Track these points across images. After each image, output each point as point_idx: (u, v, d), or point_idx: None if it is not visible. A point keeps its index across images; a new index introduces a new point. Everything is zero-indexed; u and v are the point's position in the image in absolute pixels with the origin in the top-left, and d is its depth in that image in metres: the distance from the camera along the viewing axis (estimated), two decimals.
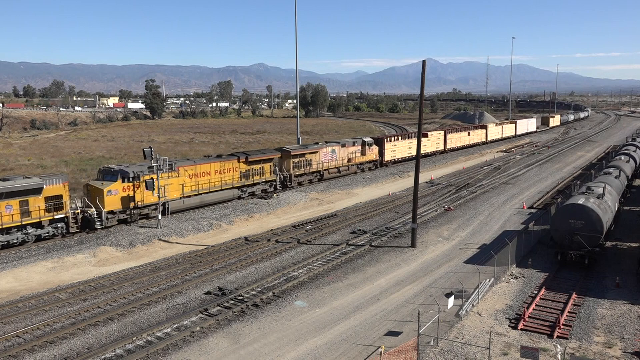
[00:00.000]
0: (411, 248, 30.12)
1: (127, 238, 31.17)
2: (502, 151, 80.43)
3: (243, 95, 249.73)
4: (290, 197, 43.04)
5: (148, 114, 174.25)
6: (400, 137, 65.24)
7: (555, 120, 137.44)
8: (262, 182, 43.07)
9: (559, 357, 17.21)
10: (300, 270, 26.34)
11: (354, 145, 54.51)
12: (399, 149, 62.94)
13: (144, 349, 18.12)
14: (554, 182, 52.38)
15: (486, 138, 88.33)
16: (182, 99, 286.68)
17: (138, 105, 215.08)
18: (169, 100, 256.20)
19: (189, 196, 37.12)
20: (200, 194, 37.93)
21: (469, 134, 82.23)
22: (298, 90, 63.35)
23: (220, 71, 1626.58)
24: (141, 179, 33.54)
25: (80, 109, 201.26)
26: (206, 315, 21.06)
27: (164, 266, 27.09)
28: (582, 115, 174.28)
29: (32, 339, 18.98)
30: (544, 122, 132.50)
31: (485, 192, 46.64)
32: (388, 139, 62.02)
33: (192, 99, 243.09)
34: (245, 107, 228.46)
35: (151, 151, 34.34)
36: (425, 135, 68.90)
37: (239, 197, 41.53)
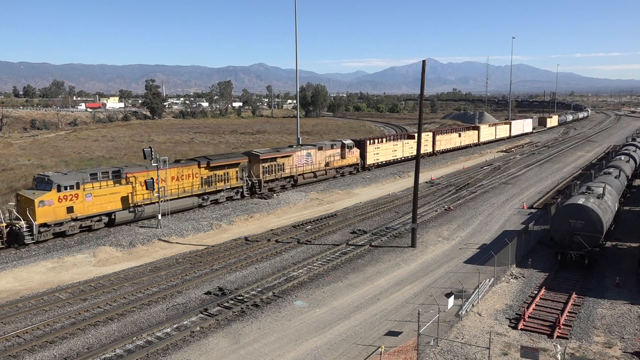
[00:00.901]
0: (411, 248, 30.13)
1: (127, 238, 31.17)
2: (502, 151, 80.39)
3: (243, 95, 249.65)
4: (290, 197, 43.04)
5: (148, 113, 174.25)
6: (384, 140, 61.92)
7: (552, 121, 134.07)
8: (227, 189, 40.09)
9: (559, 357, 17.21)
10: (300, 270, 26.34)
11: (332, 148, 51.58)
12: (383, 151, 59.92)
13: (144, 349, 18.12)
14: (554, 182, 52.38)
15: (478, 140, 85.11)
16: (182, 99, 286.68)
17: (117, 105, 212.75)
18: (169, 100, 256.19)
19: (140, 206, 34.10)
20: (154, 203, 34.59)
21: (459, 136, 79.07)
22: (298, 90, 63.32)
23: (220, 71, 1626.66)
24: (81, 187, 30.92)
25: (83, 107, 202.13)
26: (206, 315, 21.06)
27: (164, 266, 27.10)
28: (581, 115, 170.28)
29: (32, 339, 18.98)
30: (541, 122, 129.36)
31: (485, 192, 46.64)
32: (371, 141, 58.82)
33: (193, 99, 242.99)
34: (245, 107, 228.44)
35: (151, 151, 34.37)
36: (412, 137, 65.40)
37: (200, 206, 38.58)
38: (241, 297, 22.74)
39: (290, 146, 49.36)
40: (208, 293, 23.40)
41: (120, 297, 22.84)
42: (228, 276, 25.70)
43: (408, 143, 63.80)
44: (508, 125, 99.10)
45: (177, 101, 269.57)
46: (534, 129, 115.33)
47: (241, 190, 41.70)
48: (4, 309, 21.51)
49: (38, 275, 25.63)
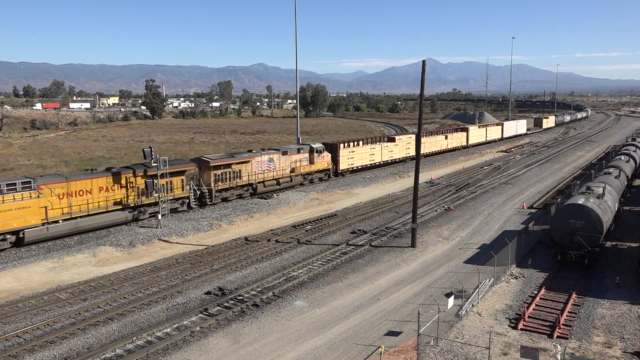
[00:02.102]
0: (411, 248, 30.13)
1: (127, 238, 31.17)
2: (502, 151, 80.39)
3: (243, 95, 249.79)
4: (290, 197, 43.04)
5: (148, 113, 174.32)
6: (360, 143, 57.63)
7: (549, 122, 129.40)
8: (170, 199, 35.95)
9: (559, 357, 17.21)
10: (300, 270, 26.34)
11: (299, 152, 47.56)
12: (359, 155, 56.01)
13: (144, 349, 18.12)
14: (553, 182, 52.39)
15: (467, 142, 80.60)
16: (182, 99, 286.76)
17: (85, 106, 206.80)
18: (169, 100, 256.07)
19: (56, 221, 30.18)
20: (75, 217, 30.92)
21: (446, 138, 74.68)
22: (298, 90, 63.30)
23: (220, 71, 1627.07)
24: None
25: (85, 106, 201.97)
26: (206, 315, 21.06)
27: (164, 266, 27.10)
28: (579, 115, 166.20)
29: (32, 339, 18.98)
30: (537, 123, 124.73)
31: (485, 192, 46.65)
32: (345, 144, 54.84)
33: (193, 99, 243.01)
34: (246, 107, 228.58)
35: (151, 151, 34.37)
36: (392, 140, 62.45)
37: (137, 219, 34.51)
38: (241, 297, 22.74)
39: (250, 151, 44.98)
40: (208, 293, 23.40)
41: (120, 297, 22.84)
42: (228, 276, 25.71)
43: (387, 146, 60.61)
44: (500, 127, 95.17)
45: (178, 101, 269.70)
46: (528, 130, 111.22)
47: (187, 201, 37.73)
48: (4, 309, 21.51)
49: (38, 275, 25.64)
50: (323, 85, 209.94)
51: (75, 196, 31.21)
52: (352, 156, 55.06)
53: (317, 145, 49.64)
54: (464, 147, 79.59)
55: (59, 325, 20.12)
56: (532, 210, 39.75)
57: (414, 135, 64.75)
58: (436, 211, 39.17)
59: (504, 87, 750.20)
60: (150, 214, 35.16)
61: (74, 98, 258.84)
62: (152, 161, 34.40)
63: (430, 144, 70.67)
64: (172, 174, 35.91)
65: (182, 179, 37.30)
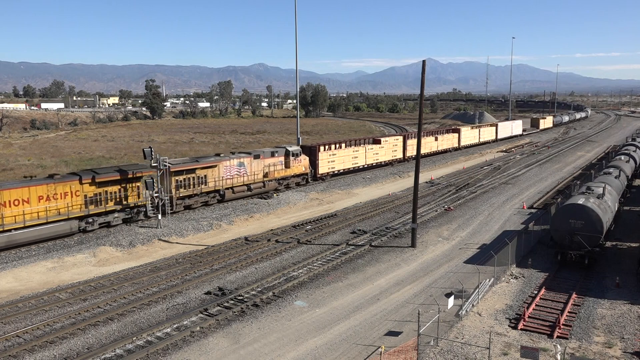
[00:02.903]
0: (411, 248, 30.13)
1: (127, 238, 31.17)
2: (502, 151, 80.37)
3: (243, 95, 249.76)
4: (290, 197, 43.04)
5: (148, 113, 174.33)
6: (343, 145, 55.11)
7: (546, 122, 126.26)
8: (123, 208, 33.60)
9: (559, 357, 17.21)
10: (300, 270, 26.34)
11: (273, 156, 44.59)
12: (341, 159, 53.23)
13: (144, 349, 18.12)
14: (554, 182, 52.39)
15: (459, 144, 77.84)
16: (182, 99, 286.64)
17: (54, 106, 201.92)
18: (169, 100, 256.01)
19: None
20: (8, 230, 28.08)
21: (436, 139, 71.71)
22: (298, 90, 63.27)
23: (220, 71, 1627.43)
24: None
25: (80, 108, 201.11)
26: (206, 315, 21.06)
27: (164, 266, 27.10)
28: (578, 116, 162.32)
29: (32, 339, 18.98)
30: (534, 124, 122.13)
31: (485, 192, 46.65)
32: (324, 147, 52.00)
33: (192, 99, 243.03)
34: (246, 107, 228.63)
35: (151, 151, 34.34)
36: (377, 142, 59.63)
37: (84, 230, 31.78)
38: (241, 297, 22.74)
39: (217, 155, 41.91)
40: (208, 293, 23.40)
41: (120, 297, 22.84)
42: (228, 276, 25.70)
43: (372, 149, 57.93)
44: (494, 128, 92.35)
45: (177, 101, 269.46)
46: (524, 131, 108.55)
47: (145, 209, 34.75)
48: (4, 309, 21.51)
49: (38, 275, 25.63)
50: (323, 85, 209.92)
51: (9, 207, 28.25)
52: (333, 159, 52.31)
53: (294, 148, 46.79)
54: (455, 149, 77.00)
55: (59, 325, 20.12)
56: (532, 210, 39.74)
57: (402, 136, 63.87)
58: (436, 211, 39.17)
59: (504, 87, 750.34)
60: (100, 224, 32.37)
61: (74, 98, 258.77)
62: (153, 161, 34.22)
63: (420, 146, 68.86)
64: (125, 180, 33.43)
65: (138, 186, 34.48)
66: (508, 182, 52.09)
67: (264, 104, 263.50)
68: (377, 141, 59.79)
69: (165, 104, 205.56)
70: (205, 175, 38.63)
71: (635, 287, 24.19)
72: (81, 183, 31.38)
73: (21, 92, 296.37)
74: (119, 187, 33.29)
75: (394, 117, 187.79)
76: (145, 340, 18.90)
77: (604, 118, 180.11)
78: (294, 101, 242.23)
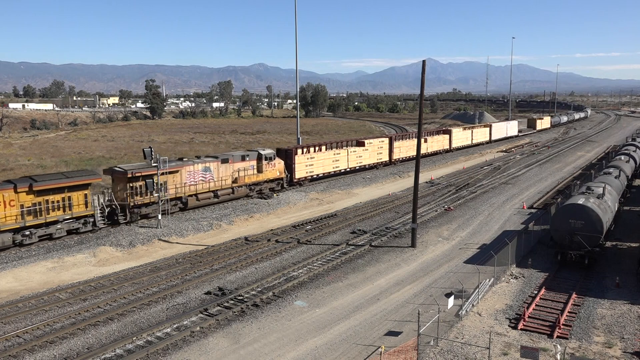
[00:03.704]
0: (411, 248, 30.13)
1: (127, 238, 31.17)
2: (502, 151, 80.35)
3: (243, 95, 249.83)
4: (290, 197, 43.04)
5: (148, 113, 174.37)
6: (323, 148, 52.56)
7: (544, 123, 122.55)
8: (67, 219, 30.75)
9: (559, 357, 17.21)
10: (300, 270, 26.35)
11: (243, 160, 41.74)
12: (320, 162, 50.37)
13: (144, 349, 18.13)
14: (554, 182, 52.39)
15: (450, 145, 74.73)
16: (182, 99, 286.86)
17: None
18: (169, 100, 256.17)
19: None
20: None
21: (425, 141, 67.73)
22: (298, 90, 63.27)
23: (220, 71, 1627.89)
24: None
25: (81, 109, 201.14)
26: (206, 315, 21.06)
27: (164, 266, 27.10)
28: (577, 116, 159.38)
29: (32, 339, 18.98)
30: (530, 124, 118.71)
31: (485, 192, 46.65)
32: (302, 150, 49.31)
33: (193, 99, 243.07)
34: (246, 107, 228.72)
35: (151, 151, 34.33)
36: (361, 144, 56.90)
37: (20, 244, 28.99)
38: (241, 297, 22.75)
39: (180, 159, 39.46)
40: (208, 293, 23.40)
41: (120, 297, 22.84)
42: (228, 276, 25.71)
43: (355, 151, 55.26)
44: (487, 129, 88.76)
45: (177, 101, 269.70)
46: (520, 132, 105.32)
47: (92, 219, 32.03)
48: (4, 309, 21.51)
49: (38, 275, 25.64)
50: (323, 85, 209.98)
51: None
52: (312, 163, 49.42)
53: (267, 152, 44.22)
54: (446, 151, 74.05)
55: (59, 325, 20.12)
56: (532, 210, 39.74)
57: (387, 138, 61.33)
58: (436, 211, 39.17)
59: (504, 87, 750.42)
60: (40, 237, 29.86)
61: (74, 98, 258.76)
62: (152, 161, 34.18)
63: (407, 148, 64.32)
64: (71, 188, 30.71)
65: (86, 194, 31.60)
66: (508, 182, 52.09)
67: (264, 106, 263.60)
68: (360, 143, 57.26)
69: (165, 104, 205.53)
70: (165, 182, 35.68)
71: (635, 287, 24.19)
72: (16, 192, 28.61)
73: (21, 92, 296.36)
74: (63, 195, 30.50)
75: (394, 117, 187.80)
76: (145, 340, 18.90)
77: (604, 118, 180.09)
78: (294, 101, 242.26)
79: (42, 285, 24.36)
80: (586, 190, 29.39)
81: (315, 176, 50.17)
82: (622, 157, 44.76)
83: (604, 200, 28.21)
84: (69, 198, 30.81)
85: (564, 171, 59.94)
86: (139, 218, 34.80)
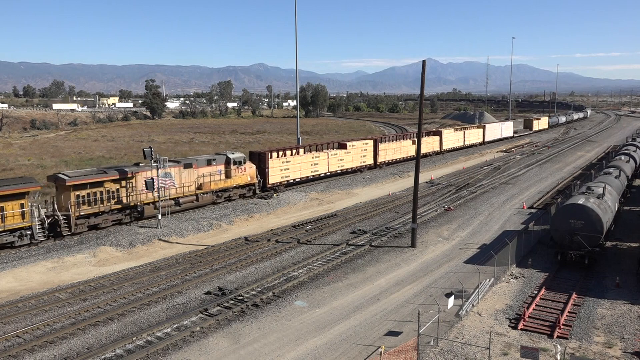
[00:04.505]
0: (411, 248, 30.13)
1: (127, 238, 31.17)
2: (502, 151, 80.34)
3: (243, 95, 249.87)
4: (290, 197, 43.04)
5: (148, 113, 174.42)
6: (301, 151, 49.67)
7: (541, 123, 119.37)
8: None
9: (559, 357, 17.21)
10: (300, 270, 26.35)
11: (209, 164, 38.91)
12: (297, 166, 47.40)
13: (144, 349, 18.13)
14: (554, 182, 52.39)
15: (440, 147, 71.85)
16: (182, 99, 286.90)
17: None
18: (169, 100, 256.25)
19: None
20: None
21: (414, 143, 63.56)
22: (298, 90, 63.25)
23: (220, 71, 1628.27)
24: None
25: (81, 108, 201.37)
26: (206, 315, 21.06)
27: (164, 266, 27.10)
28: (576, 116, 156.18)
29: (32, 339, 18.98)
30: (527, 125, 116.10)
31: (485, 192, 46.65)
32: (277, 153, 46.53)
33: (192, 99, 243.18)
34: (246, 107, 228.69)
35: (151, 151, 34.32)
36: (343, 147, 54.09)
37: None
38: (241, 297, 22.74)
39: (136, 164, 36.26)
40: (208, 293, 23.40)
41: (120, 297, 22.84)
42: (228, 276, 25.71)
43: (336, 154, 52.45)
44: (481, 130, 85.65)
45: (177, 101, 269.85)
46: (515, 132, 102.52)
47: (30, 232, 29.04)
48: (4, 309, 21.51)
49: (38, 275, 25.63)
50: (323, 85, 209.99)
51: None
52: (287, 167, 46.32)
53: (236, 155, 41.14)
54: (436, 153, 71.36)
55: (59, 325, 20.12)
56: (532, 210, 39.74)
57: (372, 140, 58.80)
58: (436, 211, 39.17)
59: (504, 87, 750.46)
60: None
61: (74, 98, 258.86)
62: (152, 161, 34.13)
63: (394, 150, 61.48)
64: (4, 198, 27.83)
65: (22, 204, 28.56)
66: (508, 182, 52.09)
67: (264, 106, 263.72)
68: (342, 146, 54.40)
69: (165, 104, 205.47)
70: (117, 189, 33.22)
71: (635, 287, 24.19)
72: None
73: (21, 92, 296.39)
74: None
75: (394, 117, 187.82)
76: (145, 340, 18.90)
77: (604, 118, 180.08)
78: (294, 101, 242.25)
79: (42, 285, 24.36)
80: (586, 190, 29.39)
81: (291, 181, 47.26)
82: (622, 157, 44.76)
83: (604, 200, 28.21)
84: (2, 209, 27.79)
85: (564, 171, 59.94)
86: (87, 229, 31.89)
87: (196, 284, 24.59)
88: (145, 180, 33.46)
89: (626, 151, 48.82)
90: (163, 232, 32.66)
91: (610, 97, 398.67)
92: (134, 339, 18.89)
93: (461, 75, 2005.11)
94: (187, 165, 37.44)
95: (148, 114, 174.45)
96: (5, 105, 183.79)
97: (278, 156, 46.09)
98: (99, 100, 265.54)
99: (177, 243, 31.36)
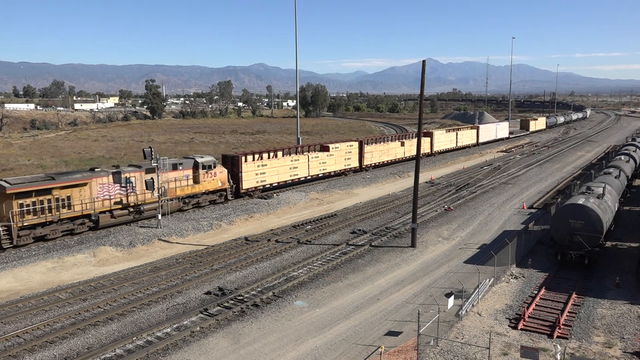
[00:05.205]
0: (411, 248, 30.13)
1: (127, 238, 31.17)
2: (502, 151, 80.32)
3: (243, 95, 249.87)
4: (290, 197, 43.04)
5: (148, 113, 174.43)
6: (280, 153, 47.20)
7: (538, 124, 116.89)
8: None
9: (559, 357, 17.21)
10: (300, 270, 26.35)
11: (175, 169, 36.47)
12: (274, 170, 44.86)
13: (144, 349, 18.13)
14: (554, 182, 52.39)
15: (431, 149, 69.42)
16: (182, 99, 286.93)
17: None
18: (168, 100, 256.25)
19: None
20: None
21: (402, 145, 62.88)
22: (298, 90, 63.24)
23: (220, 71, 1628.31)
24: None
25: (81, 106, 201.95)
26: (206, 315, 21.07)
27: (164, 266, 27.10)
28: (575, 117, 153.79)
29: (32, 339, 18.98)
30: (523, 126, 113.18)
31: (485, 192, 46.65)
32: (253, 157, 43.91)
33: (192, 99, 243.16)
34: (245, 107, 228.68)
35: (151, 151, 34.31)
36: (326, 149, 51.70)
37: None
38: (241, 297, 22.75)
39: (92, 169, 33.44)
40: (208, 293, 23.40)
41: (120, 297, 22.84)
42: (228, 276, 25.71)
43: (317, 157, 50.05)
44: (475, 131, 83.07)
45: (177, 101, 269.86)
46: (511, 133, 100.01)
47: None
48: (4, 309, 21.51)
49: (38, 275, 25.64)
50: (323, 85, 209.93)
51: None
52: (263, 171, 43.85)
53: (205, 159, 38.73)
54: (427, 156, 68.71)
55: (59, 325, 20.13)
56: (532, 210, 39.74)
57: (357, 142, 56.54)
58: (436, 211, 39.17)
59: (504, 87, 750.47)
60: None
61: (74, 98, 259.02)
62: (152, 161, 34.08)
63: (381, 152, 59.49)
64: None
65: None
66: (508, 182, 52.09)
67: (264, 106, 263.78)
68: (325, 148, 52.05)
69: (165, 104, 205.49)
70: (69, 196, 30.72)
71: (635, 287, 24.19)
72: None
73: (21, 92, 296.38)
74: None
75: (394, 117, 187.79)
76: (145, 340, 18.91)
77: (604, 118, 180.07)
78: (294, 101, 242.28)
79: (42, 285, 24.36)
80: (586, 190, 29.39)
81: (268, 186, 44.75)
82: (622, 157, 44.76)
83: (604, 200, 28.20)
84: None
85: (564, 171, 59.94)
86: (32, 241, 29.68)
87: (196, 284, 24.60)
88: (145, 181, 33.46)
89: (626, 151, 48.83)
90: (163, 232, 32.66)
91: (610, 97, 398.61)
92: (134, 339, 18.89)
93: (461, 75, 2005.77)
94: (150, 170, 34.78)
95: (148, 114, 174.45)
96: (32, 106, 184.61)
97: (253, 159, 43.65)
98: (99, 100, 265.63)
99: (177, 243, 31.36)
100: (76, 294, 23.35)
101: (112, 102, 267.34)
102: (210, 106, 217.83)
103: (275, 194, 43.92)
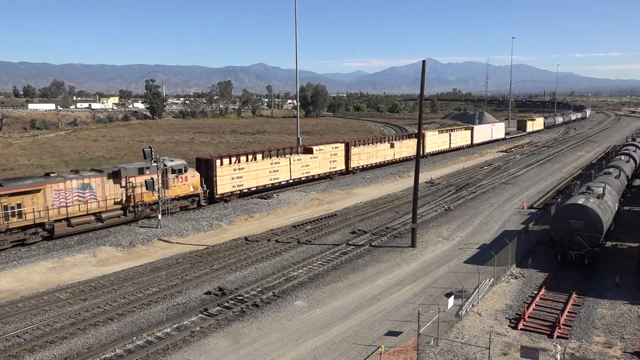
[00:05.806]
0: (411, 248, 30.13)
1: (127, 238, 31.17)
2: (502, 151, 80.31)
3: (243, 95, 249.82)
4: (290, 197, 43.04)
5: (148, 113, 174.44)
6: (259, 156, 44.81)
7: (536, 124, 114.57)
8: None
9: (559, 357, 17.21)
10: (300, 270, 26.35)
11: (142, 173, 34.09)
12: (252, 174, 42.73)
13: (144, 349, 18.13)
14: (554, 182, 52.39)
15: (423, 150, 65.82)
16: (182, 99, 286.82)
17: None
18: (169, 100, 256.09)
19: None
20: None
21: (392, 147, 60.74)
22: (298, 90, 63.24)
23: (220, 71, 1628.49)
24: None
25: (81, 106, 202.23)
26: (206, 315, 21.07)
27: (164, 266, 27.10)
28: (574, 117, 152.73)
29: (32, 339, 18.98)
30: (520, 126, 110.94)
31: (485, 192, 46.65)
32: (230, 160, 41.48)
33: (192, 99, 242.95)
34: (245, 107, 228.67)
35: (151, 151, 34.29)
36: (309, 151, 49.51)
37: None
38: (241, 297, 22.75)
39: (47, 174, 31.12)
40: (208, 293, 23.40)
41: (120, 297, 22.84)
42: (228, 276, 25.71)
43: (300, 160, 47.92)
44: (469, 131, 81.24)
45: (177, 101, 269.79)
46: (507, 134, 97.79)
47: None
48: (4, 309, 21.51)
49: (38, 275, 25.64)
50: (323, 85, 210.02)
51: None
52: (240, 175, 41.67)
53: (175, 163, 36.56)
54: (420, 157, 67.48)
55: (59, 325, 20.13)
56: (532, 210, 39.74)
57: (343, 144, 54.31)
58: (436, 211, 39.17)
59: (504, 87, 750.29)
60: None
61: (74, 98, 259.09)
62: (153, 161, 34.06)
63: (369, 154, 57.44)
64: None
65: None
66: (508, 182, 52.10)
67: (264, 106, 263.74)
68: (308, 150, 49.77)
69: (165, 104, 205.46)
70: (20, 204, 28.45)
71: (635, 287, 24.19)
72: None
73: (21, 92, 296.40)
74: None
75: (394, 117, 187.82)
76: (145, 340, 18.91)
77: (604, 118, 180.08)
78: (294, 101, 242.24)
79: (42, 285, 24.36)
80: (586, 190, 29.39)
81: (245, 190, 42.41)
82: (622, 157, 44.76)
83: (604, 200, 28.21)
84: None
85: (564, 171, 59.94)
86: None
87: (196, 284, 24.60)
88: (145, 181, 33.45)
89: (626, 151, 48.83)
90: (163, 232, 32.66)
91: (610, 97, 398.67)
92: (134, 339, 18.89)
93: (461, 75, 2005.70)
94: (113, 175, 32.79)
95: (148, 114, 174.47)
96: (52, 106, 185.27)
97: (230, 162, 41.28)
98: (99, 100, 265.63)
99: (177, 243, 31.36)
100: (76, 294, 23.35)
101: (112, 102, 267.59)
102: (210, 106, 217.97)
103: (275, 194, 43.93)
